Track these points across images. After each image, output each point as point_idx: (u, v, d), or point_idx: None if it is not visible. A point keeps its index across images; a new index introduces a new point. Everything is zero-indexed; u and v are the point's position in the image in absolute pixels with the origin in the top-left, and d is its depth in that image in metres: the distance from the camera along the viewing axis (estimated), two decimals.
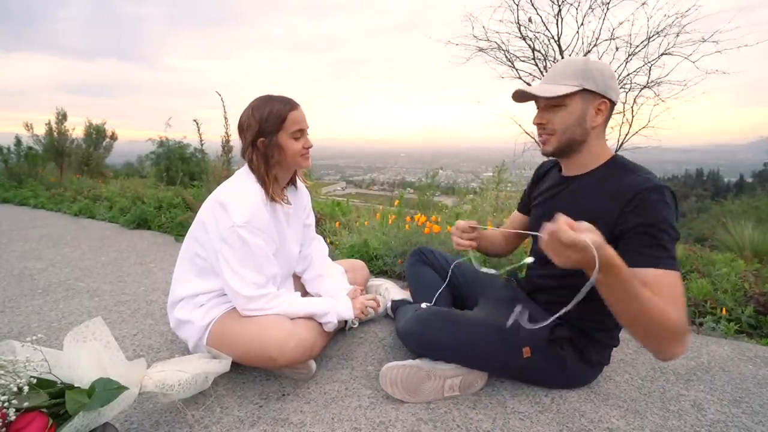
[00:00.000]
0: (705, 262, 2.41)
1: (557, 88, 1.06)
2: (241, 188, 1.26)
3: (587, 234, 0.78)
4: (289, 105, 1.26)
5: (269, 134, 1.24)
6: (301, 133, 1.28)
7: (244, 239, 1.18)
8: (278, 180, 1.32)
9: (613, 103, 1.10)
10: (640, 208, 0.98)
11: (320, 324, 1.34)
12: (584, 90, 1.05)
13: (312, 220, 1.60)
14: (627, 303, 0.86)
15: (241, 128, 1.28)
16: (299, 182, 1.49)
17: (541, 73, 5.03)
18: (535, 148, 5.22)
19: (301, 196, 1.49)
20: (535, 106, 1.16)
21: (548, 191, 1.27)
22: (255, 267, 1.22)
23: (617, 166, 1.11)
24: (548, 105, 1.10)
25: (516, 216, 1.50)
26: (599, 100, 1.07)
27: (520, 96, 1.15)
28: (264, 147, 1.25)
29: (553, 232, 0.79)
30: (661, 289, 0.89)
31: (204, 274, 1.30)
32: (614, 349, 1.50)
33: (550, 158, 1.29)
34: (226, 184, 1.30)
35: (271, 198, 1.27)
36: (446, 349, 1.19)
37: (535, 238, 1.31)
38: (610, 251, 0.81)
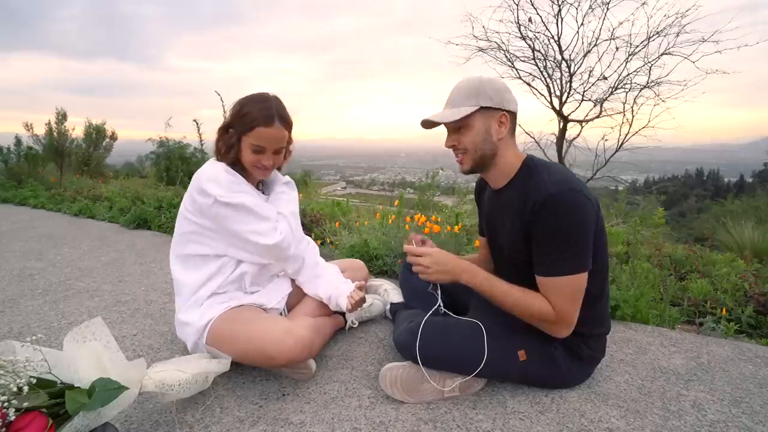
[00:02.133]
0: (705, 262, 2.42)
1: (456, 112, 1.14)
2: (204, 169, 1.29)
3: (426, 259, 1.18)
4: (266, 120, 1.24)
5: (235, 131, 1.27)
6: (261, 149, 1.26)
7: (232, 204, 1.22)
8: (242, 166, 1.32)
9: (512, 113, 1.17)
10: (536, 219, 1.07)
11: (319, 323, 1.34)
12: (482, 108, 1.13)
13: (295, 208, 1.48)
14: (491, 299, 1.17)
15: (229, 110, 1.32)
16: (280, 184, 1.46)
17: (541, 73, 5.03)
18: (535, 148, 5.21)
19: (273, 183, 1.45)
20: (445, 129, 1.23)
21: (487, 208, 1.35)
22: (259, 218, 1.26)
23: (527, 170, 1.18)
24: (455, 127, 1.18)
25: (483, 241, 1.52)
26: (498, 114, 1.14)
27: (428, 124, 1.21)
28: (228, 137, 1.29)
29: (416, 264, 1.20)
30: (546, 293, 1.11)
31: (197, 265, 1.31)
32: (614, 349, 1.50)
33: (479, 176, 1.38)
34: (194, 176, 1.32)
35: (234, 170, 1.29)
36: (443, 358, 1.19)
37: (494, 259, 1.40)
38: (458, 265, 1.18)
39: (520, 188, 1.16)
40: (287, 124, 1.30)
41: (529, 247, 1.13)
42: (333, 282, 1.49)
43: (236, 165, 1.31)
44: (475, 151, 1.16)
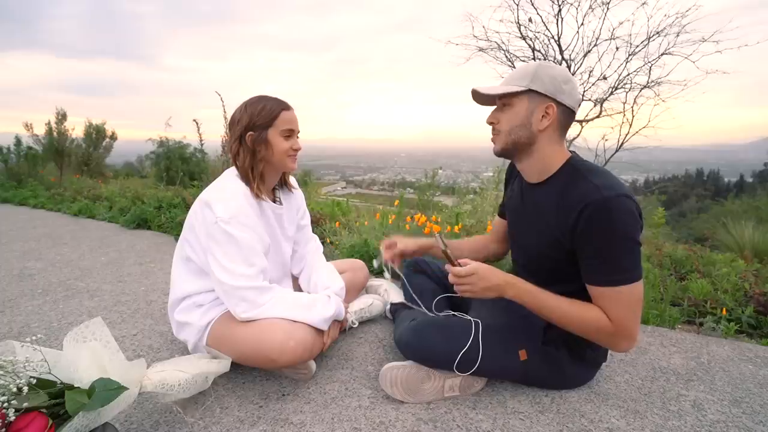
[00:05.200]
0: (705, 262, 2.41)
1: (504, 87, 1.09)
2: (224, 186, 1.27)
3: (473, 278, 1.08)
4: (283, 104, 1.28)
5: (259, 129, 1.25)
6: (291, 133, 1.29)
7: (229, 234, 1.17)
8: (264, 179, 1.32)
9: (566, 108, 1.08)
10: (590, 222, 1.00)
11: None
12: (532, 92, 1.06)
13: (307, 221, 1.60)
14: (542, 313, 1.09)
15: (232, 122, 1.29)
16: (292, 183, 1.50)
17: None
18: None
19: (294, 197, 1.50)
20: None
21: (515, 200, 1.29)
22: (243, 260, 1.19)
23: (571, 172, 1.10)
24: (501, 104, 1.13)
25: (497, 221, 1.50)
26: (546, 103, 1.06)
27: (476, 96, 1.18)
28: (252, 141, 1.26)
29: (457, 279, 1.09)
30: (604, 304, 1.03)
31: (199, 274, 1.30)
32: None
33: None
34: (211, 185, 1.31)
35: (257, 195, 1.28)
36: (444, 358, 1.19)
37: (512, 248, 1.37)
38: (503, 280, 1.09)
39: (561, 188, 1.09)
40: None
41: (562, 252, 1.09)
42: (328, 282, 1.49)
43: (254, 172, 1.28)
44: (509, 134, 1.11)
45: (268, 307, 1.21)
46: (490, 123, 1.16)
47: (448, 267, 1.11)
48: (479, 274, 1.08)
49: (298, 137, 1.33)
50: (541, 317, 1.11)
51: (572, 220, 1.03)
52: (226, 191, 1.25)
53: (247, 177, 1.28)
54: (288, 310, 1.23)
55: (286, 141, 1.28)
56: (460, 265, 1.11)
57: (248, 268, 1.19)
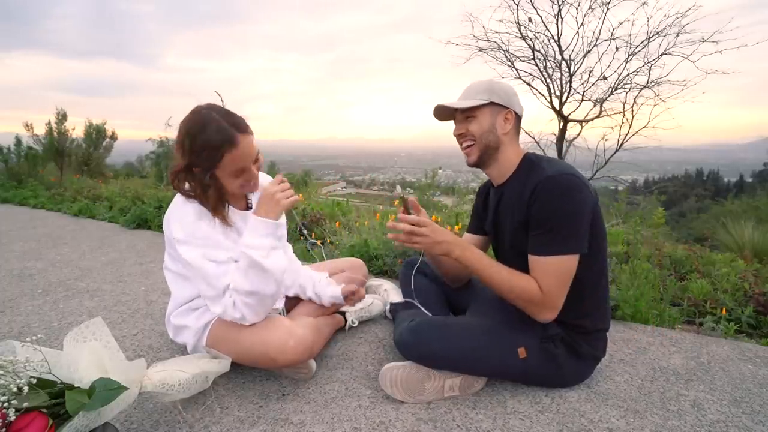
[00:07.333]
0: (705, 262, 2.41)
1: (470, 102, 1.22)
2: (177, 207, 1.20)
3: (425, 229, 1.13)
4: (228, 140, 1.08)
5: (204, 170, 1.12)
6: (243, 168, 1.13)
7: (185, 258, 1.14)
8: (223, 201, 1.22)
9: (517, 115, 1.24)
10: (535, 201, 1.11)
11: (320, 323, 1.33)
12: (492, 104, 1.21)
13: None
14: (481, 276, 1.16)
15: (176, 140, 1.15)
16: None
17: (541, 73, 5.03)
18: (535, 148, 5.21)
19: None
20: (454, 124, 1.29)
21: (492, 206, 1.36)
22: (204, 282, 1.15)
23: (528, 163, 1.23)
24: (464, 117, 1.24)
25: (467, 238, 1.49)
26: (505, 111, 1.22)
27: (440, 113, 1.29)
28: (200, 175, 1.14)
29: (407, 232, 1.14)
30: (536, 274, 1.11)
31: (187, 279, 1.27)
32: (614, 349, 1.50)
33: (485, 181, 1.42)
34: (173, 199, 1.25)
35: (215, 215, 1.19)
36: (443, 358, 1.19)
37: (497, 256, 1.40)
38: (454, 239, 1.16)
39: (523, 180, 1.19)
40: (245, 126, 1.13)
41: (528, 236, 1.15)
42: (312, 277, 1.49)
43: (209, 201, 1.17)
44: (481, 140, 1.22)
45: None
46: (460, 134, 1.26)
47: (401, 215, 1.18)
48: (431, 227, 1.15)
49: (258, 159, 1.17)
50: (481, 281, 1.18)
51: (526, 202, 1.13)
52: (178, 211, 1.19)
53: (202, 203, 1.18)
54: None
55: (237, 179, 1.14)
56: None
57: (210, 290, 1.15)
